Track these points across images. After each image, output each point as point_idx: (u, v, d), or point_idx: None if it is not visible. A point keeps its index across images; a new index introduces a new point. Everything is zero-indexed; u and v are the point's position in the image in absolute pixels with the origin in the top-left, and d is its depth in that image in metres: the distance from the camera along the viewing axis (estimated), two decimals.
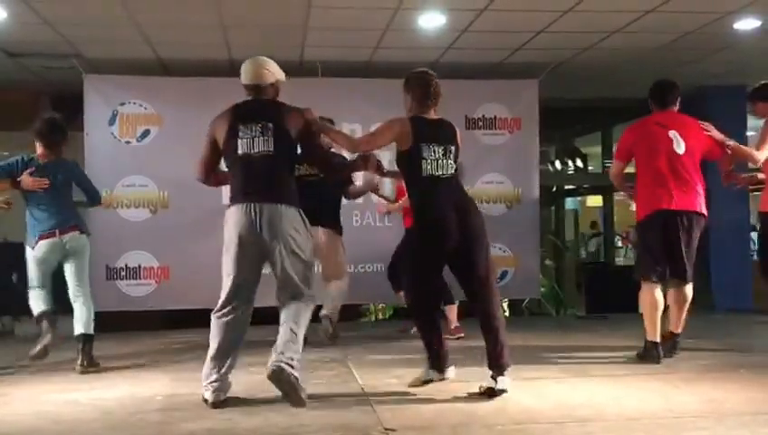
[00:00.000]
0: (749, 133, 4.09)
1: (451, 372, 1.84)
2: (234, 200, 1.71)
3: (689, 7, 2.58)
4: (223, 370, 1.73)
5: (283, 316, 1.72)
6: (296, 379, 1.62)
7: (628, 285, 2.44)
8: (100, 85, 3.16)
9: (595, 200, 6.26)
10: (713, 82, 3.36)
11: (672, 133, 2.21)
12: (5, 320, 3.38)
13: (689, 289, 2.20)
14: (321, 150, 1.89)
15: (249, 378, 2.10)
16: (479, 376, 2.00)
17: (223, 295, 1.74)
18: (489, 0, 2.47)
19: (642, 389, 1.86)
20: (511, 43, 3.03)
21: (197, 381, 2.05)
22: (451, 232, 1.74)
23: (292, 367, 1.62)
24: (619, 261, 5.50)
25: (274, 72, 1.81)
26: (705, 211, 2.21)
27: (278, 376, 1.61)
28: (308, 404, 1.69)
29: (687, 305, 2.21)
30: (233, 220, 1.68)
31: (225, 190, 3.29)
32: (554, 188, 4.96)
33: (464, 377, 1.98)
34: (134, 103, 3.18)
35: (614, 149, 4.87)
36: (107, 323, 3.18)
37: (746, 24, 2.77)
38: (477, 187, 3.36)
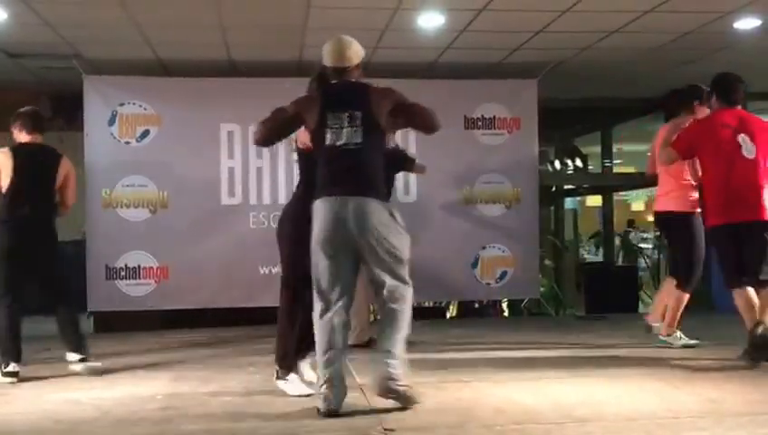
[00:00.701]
0: None
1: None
2: (320, 194, 1.60)
3: (689, 7, 2.57)
4: (334, 375, 1.59)
5: (379, 325, 1.63)
6: (403, 387, 1.58)
7: (627, 286, 2.43)
8: (99, 86, 3.17)
9: (595, 200, 6.25)
10: None
11: (741, 137, 2.08)
12: None
13: None
14: (417, 107, 1.65)
15: (249, 377, 2.10)
16: (476, 376, 2.02)
17: (319, 296, 1.60)
18: (488, 0, 2.47)
19: (641, 389, 1.86)
20: (510, 42, 3.03)
21: (197, 381, 2.08)
22: None
23: (396, 378, 1.58)
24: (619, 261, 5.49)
25: (359, 52, 1.69)
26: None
27: (386, 392, 1.58)
28: (307, 403, 1.69)
29: None
30: (320, 215, 1.58)
31: (225, 191, 3.42)
32: (554, 188, 4.93)
33: (461, 378, 1.99)
34: (134, 104, 3.18)
35: (614, 148, 4.89)
36: (106, 322, 3.23)
37: (746, 23, 2.76)
38: (476, 187, 3.36)
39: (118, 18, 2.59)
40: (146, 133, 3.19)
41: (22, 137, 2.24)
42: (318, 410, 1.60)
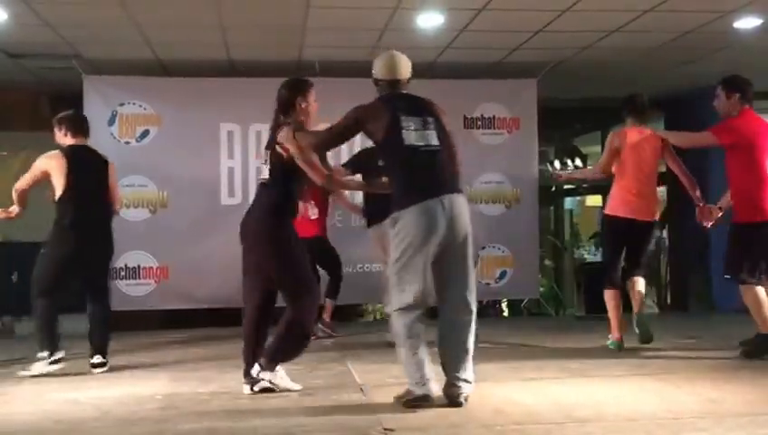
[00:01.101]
0: None
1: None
2: (416, 197, 1.59)
3: (689, 6, 2.57)
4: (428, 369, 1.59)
5: (449, 330, 1.61)
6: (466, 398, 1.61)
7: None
8: (99, 86, 3.18)
9: (594, 200, 6.25)
10: (713, 81, 3.35)
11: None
12: (6, 319, 3.38)
13: None
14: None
15: None
16: (476, 376, 1.98)
17: (410, 299, 1.59)
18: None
19: (641, 389, 1.86)
20: (509, 42, 3.03)
21: (197, 380, 2.09)
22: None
23: (468, 387, 1.61)
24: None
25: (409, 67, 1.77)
26: None
27: (457, 401, 1.60)
28: (307, 403, 1.69)
29: None
30: (419, 218, 1.57)
31: (225, 191, 3.41)
32: (553, 188, 4.94)
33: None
34: (133, 104, 3.19)
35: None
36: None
37: (746, 22, 2.76)
38: (476, 187, 3.36)
39: (117, 18, 2.59)
40: (146, 133, 3.20)
41: (67, 140, 2.25)
42: (421, 397, 1.59)
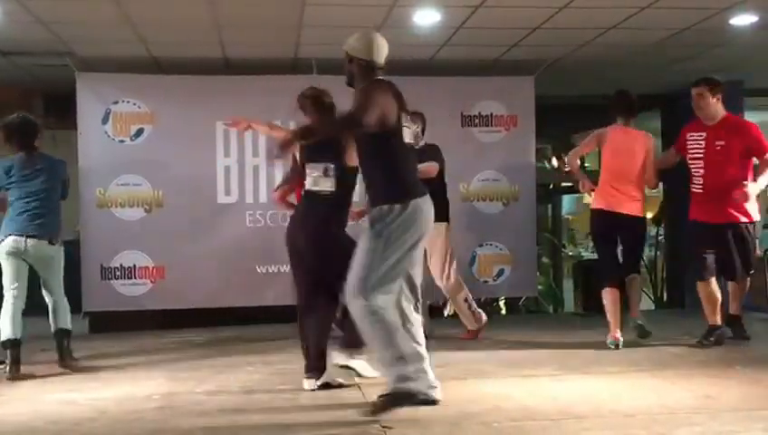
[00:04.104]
0: None
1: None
2: (414, 193, 1.57)
3: (685, 3, 2.57)
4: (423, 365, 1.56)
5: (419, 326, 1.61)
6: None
7: (624, 283, 2.47)
8: (93, 84, 3.14)
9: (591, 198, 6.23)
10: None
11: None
12: None
13: None
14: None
15: (246, 377, 2.09)
16: (473, 373, 2.02)
17: (413, 294, 1.60)
18: None
19: (638, 385, 1.87)
20: (506, 39, 3.02)
21: (194, 381, 2.07)
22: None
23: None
24: None
25: None
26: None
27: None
28: (305, 401, 1.69)
29: None
30: (422, 214, 1.55)
31: (221, 189, 3.39)
32: (551, 186, 4.93)
33: (459, 375, 1.99)
34: (127, 102, 3.15)
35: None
36: (102, 323, 3.20)
37: (742, 19, 2.75)
38: (474, 184, 3.35)
39: (111, 15, 2.56)
40: (140, 132, 3.16)
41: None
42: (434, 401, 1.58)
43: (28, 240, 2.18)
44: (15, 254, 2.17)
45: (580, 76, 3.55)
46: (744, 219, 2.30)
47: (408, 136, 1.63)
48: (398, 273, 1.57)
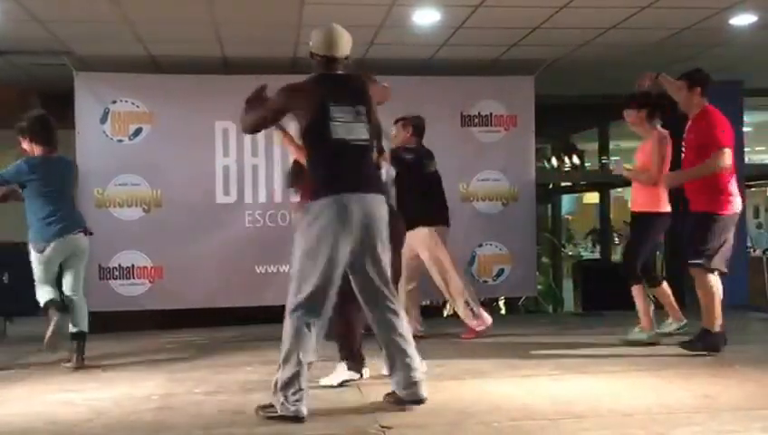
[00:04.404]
0: (745, 129, 4.10)
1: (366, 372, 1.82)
2: (334, 188, 1.47)
3: (685, 3, 2.57)
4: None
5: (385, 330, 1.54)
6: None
7: (623, 283, 2.46)
8: (91, 83, 3.13)
9: (591, 198, 6.26)
10: (710, 78, 3.36)
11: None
12: None
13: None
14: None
15: (245, 377, 2.09)
16: (473, 374, 2.01)
17: (303, 298, 1.48)
18: None
19: (637, 385, 1.87)
20: (506, 39, 3.01)
21: (193, 381, 2.07)
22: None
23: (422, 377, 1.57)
24: (616, 258, 5.53)
25: (350, 42, 1.61)
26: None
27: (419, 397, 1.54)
28: (305, 404, 1.65)
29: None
30: (345, 212, 1.45)
31: (220, 189, 3.38)
32: (551, 186, 4.94)
33: (458, 375, 1.99)
34: (126, 101, 3.14)
35: (611, 145, 4.89)
36: (100, 323, 3.16)
37: (742, 19, 2.76)
38: (473, 184, 3.35)
39: (109, 14, 2.55)
40: (138, 131, 3.15)
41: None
42: (297, 416, 1.50)
43: (68, 237, 2.24)
44: (58, 256, 2.23)
45: (580, 76, 3.55)
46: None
47: (342, 132, 1.51)
48: (315, 279, 1.46)
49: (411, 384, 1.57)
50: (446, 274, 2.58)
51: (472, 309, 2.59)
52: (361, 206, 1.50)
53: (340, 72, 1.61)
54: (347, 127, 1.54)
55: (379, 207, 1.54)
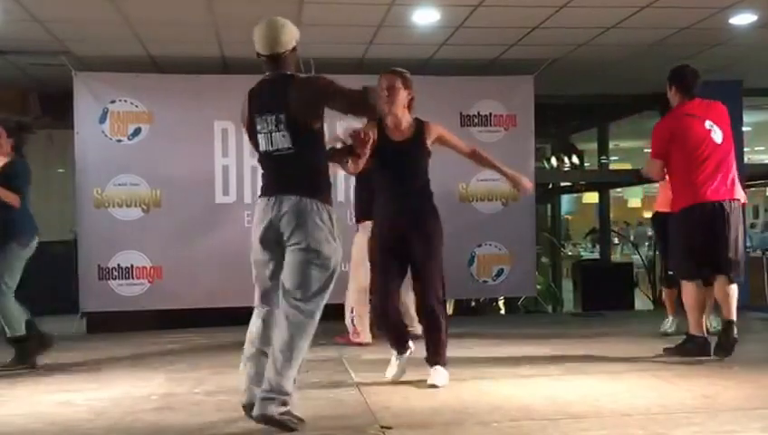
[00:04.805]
0: (745, 129, 4.10)
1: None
2: (260, 195, 1.50)
3: (685, 3, 2.57)
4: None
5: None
6: (283, 416, 1.40)
7: (623, 283, 2.45)
8: (90, 83, 3.12)
9: (590, 198, 6.26)
10: (709, 77, 3.35)
11: (708, 123, 2.15)
12: None
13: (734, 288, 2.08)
14: (347, 92, 1.47)
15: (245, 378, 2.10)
16: (472, 374, 2.02)
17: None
18: None
19: (637, 385, 1.87)
20: (506, 39, 3.02)
21: (192, 381, 2.07)
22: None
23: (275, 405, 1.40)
24: (615, 258, 5.53)
25: (295, 33, 1.49)
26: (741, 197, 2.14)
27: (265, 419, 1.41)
28: (304, 402, 1.66)
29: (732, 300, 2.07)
30: (256, 215, 1.50)
31: (219, 189, 3.37)
32: (550, 186, 4.93)
33: (457, 375, 1.98)
34: (125, 101, 3.13)
35: (611, 145, 4.88)
36: (100, 323, 3.19)
37: (742, 18, 2.76)
38: (473, 184, 3.35)
39: (108, 14, 2.55)
40: (137, 131, 3.14)
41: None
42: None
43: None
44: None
45: (580, 76, 3.55)
46: None
47: (264, 144, 1.47)
48: (255, 277, 1.50)
49: (260, 401, 1.41)
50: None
51: (353, 322, 2.55)
52: (278, 208, 1.47)
53: (275, 72, 1.50)
54: (267, 138, 1.48)
55: (295, 207, 1.45)
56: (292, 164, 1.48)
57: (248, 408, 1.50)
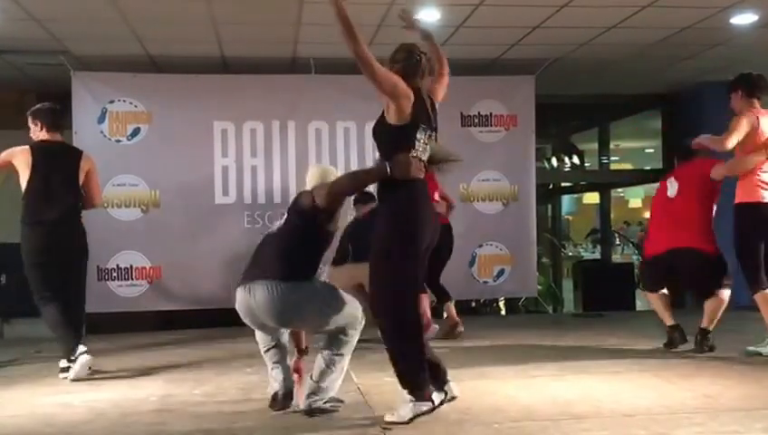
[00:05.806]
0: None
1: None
2: None
3: (685, 2, 2.57)
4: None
5: None
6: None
7: (624, 283, 2.44)
8: (88, 82, 3.11)
9: (591, 198, 6.25)
10: (710, 77, 3.34)
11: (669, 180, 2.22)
12: None
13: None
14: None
15: (245, 379, 2.08)
16: (473, 374, 2.00)
17: None
18: None
19: (638, 385, 1.87)
20: (507, 38, 3.01)
21: (192, 382, 2.06)
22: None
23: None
24: (616, 258, 5.52)
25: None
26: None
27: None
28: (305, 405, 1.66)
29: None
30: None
31: (219, 189, 3.29)
32: (551, 186, 4.94)
33: (458, 376, 1.95)
34: (124, 101, 3.12)
35: (611, 145, 4.82)
36: (99, 324, 3.15)
37: (743, 18, 2.75)
38: (473, 184, 3.34)
39: (107, 13, 2.54)
40: (136, 131, 3.14)
41: (42, 134, 2.20)
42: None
43: None
44: None
45: (581, 76, 3.54)
46: None
47: None
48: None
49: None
50: None
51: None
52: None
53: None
54: None
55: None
56: None
57: (284, 398, 1.61)
